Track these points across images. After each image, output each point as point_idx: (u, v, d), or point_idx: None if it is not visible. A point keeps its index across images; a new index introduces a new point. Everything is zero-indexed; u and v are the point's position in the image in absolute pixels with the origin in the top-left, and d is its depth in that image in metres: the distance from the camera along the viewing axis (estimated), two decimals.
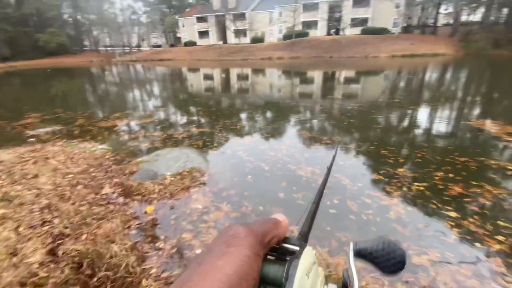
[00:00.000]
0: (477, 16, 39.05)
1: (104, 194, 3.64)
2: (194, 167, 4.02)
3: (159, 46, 54.51)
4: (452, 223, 2.81)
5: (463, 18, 40.24)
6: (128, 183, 3.63)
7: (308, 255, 0.28)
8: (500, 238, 2.59)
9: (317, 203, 0.45)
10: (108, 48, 55.35)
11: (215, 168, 4.21)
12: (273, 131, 6.09)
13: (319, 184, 0.51)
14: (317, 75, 17.76)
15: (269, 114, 7.83)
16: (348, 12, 35.77)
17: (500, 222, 2.80)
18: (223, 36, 45.66)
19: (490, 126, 5.92)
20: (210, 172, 4.03)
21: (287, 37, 37.76)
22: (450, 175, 3.75)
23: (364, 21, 36.83)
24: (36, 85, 18.30)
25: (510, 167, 3.96)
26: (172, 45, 51.43)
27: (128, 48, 51.86)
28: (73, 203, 2.98)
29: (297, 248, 0.29)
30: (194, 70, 24.87)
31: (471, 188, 3.42)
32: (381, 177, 3.82)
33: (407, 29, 41.38)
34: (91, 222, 2.75)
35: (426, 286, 2.09)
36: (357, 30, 36.40)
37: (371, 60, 26.56)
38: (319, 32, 39.39)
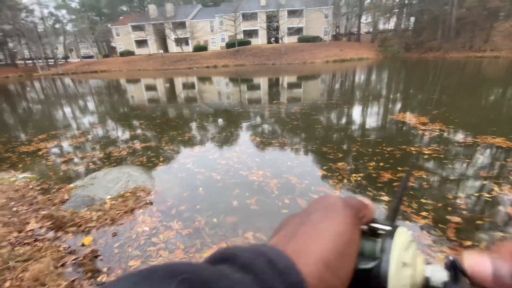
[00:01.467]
0: (391, 24, 45.68)
1: (30, 230, 3.14)
2: (138, 187, 3.72)
3: (90, 57, 49.66)
4: (386, 207, 3.17)
5: (380, 26, 46.72)
6: (59, 214, 3.17)
7: (403, 233, 0.28)
8: (424, 213, 3.01)
9: (404, 188, 0.43)
10: (28, 61, 48.15)
11: (162, 184, 3.97)
12: (223, 139, 6.05)
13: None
14: (262, 82, 18.38)
15: (218, 122, 7.76)
16: (285, 22, 38.11)
17: (422, 200, 3.27)
18: (163, 45, 43.97)
19: (408, 118, 6.92)
20: (156, 190, 3.78)
21: (229, 45, 38.31)
22: (381, 164, 4.25)
23: (299, 30, 39.75)
24: None
25: (426, 152, 4.67)
26: (106, 56, 47.44)
27: (52, 60, 45.89)
28: None
29: (388, 227, 0.29)
30: (134, 81, 23.28)
31: (398, 173, 3.93)
32: (324, 172, 4.11)
33: (336, 37, 46.18)
34: (15, 265, 2.39)
35: None
36: (294, 39, 39.08)
37: (308, 65, 28.68)
38: (260, 40, 41.08)
